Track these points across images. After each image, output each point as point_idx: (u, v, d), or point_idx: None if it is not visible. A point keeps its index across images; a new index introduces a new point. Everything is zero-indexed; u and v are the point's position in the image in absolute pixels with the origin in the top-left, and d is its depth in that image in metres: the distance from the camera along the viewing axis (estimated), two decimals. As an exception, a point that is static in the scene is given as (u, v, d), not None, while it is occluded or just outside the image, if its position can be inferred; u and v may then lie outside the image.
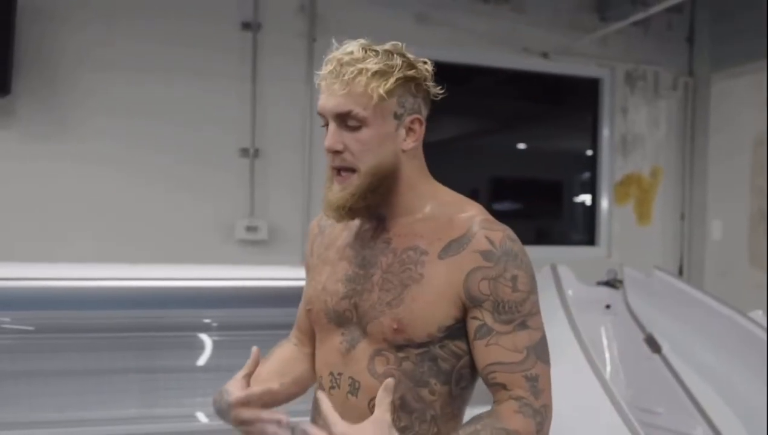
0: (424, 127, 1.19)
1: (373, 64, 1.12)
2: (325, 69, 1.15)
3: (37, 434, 1.83)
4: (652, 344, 2.77)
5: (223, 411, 1.23)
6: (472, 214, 1.17)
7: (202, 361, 2.03)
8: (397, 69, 1.13)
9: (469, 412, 1.19)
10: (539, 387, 1.12)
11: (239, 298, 2.07)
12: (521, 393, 1.11)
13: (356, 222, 1.23)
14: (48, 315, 1.91)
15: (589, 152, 4.88)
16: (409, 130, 1.17)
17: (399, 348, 1.15)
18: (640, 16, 4.16)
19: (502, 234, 1.14)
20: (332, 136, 1.14)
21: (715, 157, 4.72)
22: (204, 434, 2.05)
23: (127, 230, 3.64)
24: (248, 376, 1.23)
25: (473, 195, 1.37)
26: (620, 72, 4.71)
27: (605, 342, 2.91)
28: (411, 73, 1.14)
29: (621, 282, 3.13)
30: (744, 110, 4.50)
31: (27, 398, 1.87)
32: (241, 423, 1.20)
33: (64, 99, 3.58)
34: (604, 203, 4.77)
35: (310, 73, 3.88)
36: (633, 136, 4.76)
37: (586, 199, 4.92)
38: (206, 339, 2.04)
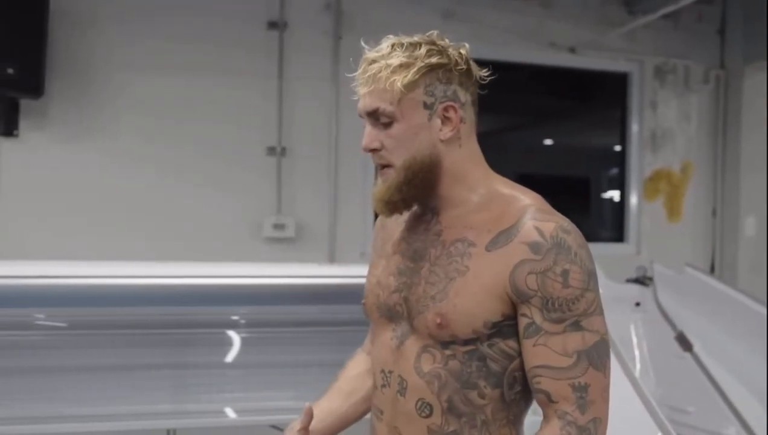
0: (470, 113, 1.13)
1: (395, 59, 1.09)
2: (358, 70, 1.14)
3: (71, 428, 1.86)
4: (683, 342, 2.73)
5: None
6: (526, 203, 1.10)
7: (230, 357, 2.05)
8: (419, 59, 1.09)
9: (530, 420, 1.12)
10: (588, 399, 1.03)
11: (267, 295, 2.08)
12: (566, 408, 1.03)
13: (413, 215, 1.20)
14: (80, 312, 1.94)
15: (618, 148, 4.82)
16: (445, 118, 1.11)
17: (445, 345, 1.09)
18: (670, 8, 4.08)
19: (555, 224, 1.06)
20: (368, 136, 1.13)
21: (748, 152, 4.62)
22: (233, 430, 2.09)
23: (158, 228, 3.69)
24: (303, 430, 1.20)
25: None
26: (649, 66, 4.64)
27: (635, 340, 2.88)
28: (435, 60, 1.09)
29: (651, 279, 3.09)
30: (778, 103, 4.42)
31: (60, 393, 1.91)
32: None
33: (95, 99, 3.64)
34: (633, 199, 4.70)
35: (336, 71, 3.89)
36: (663, 131, 4.69)
37: (614, 195, 4.86)
38: (235, 336, 2.06)
